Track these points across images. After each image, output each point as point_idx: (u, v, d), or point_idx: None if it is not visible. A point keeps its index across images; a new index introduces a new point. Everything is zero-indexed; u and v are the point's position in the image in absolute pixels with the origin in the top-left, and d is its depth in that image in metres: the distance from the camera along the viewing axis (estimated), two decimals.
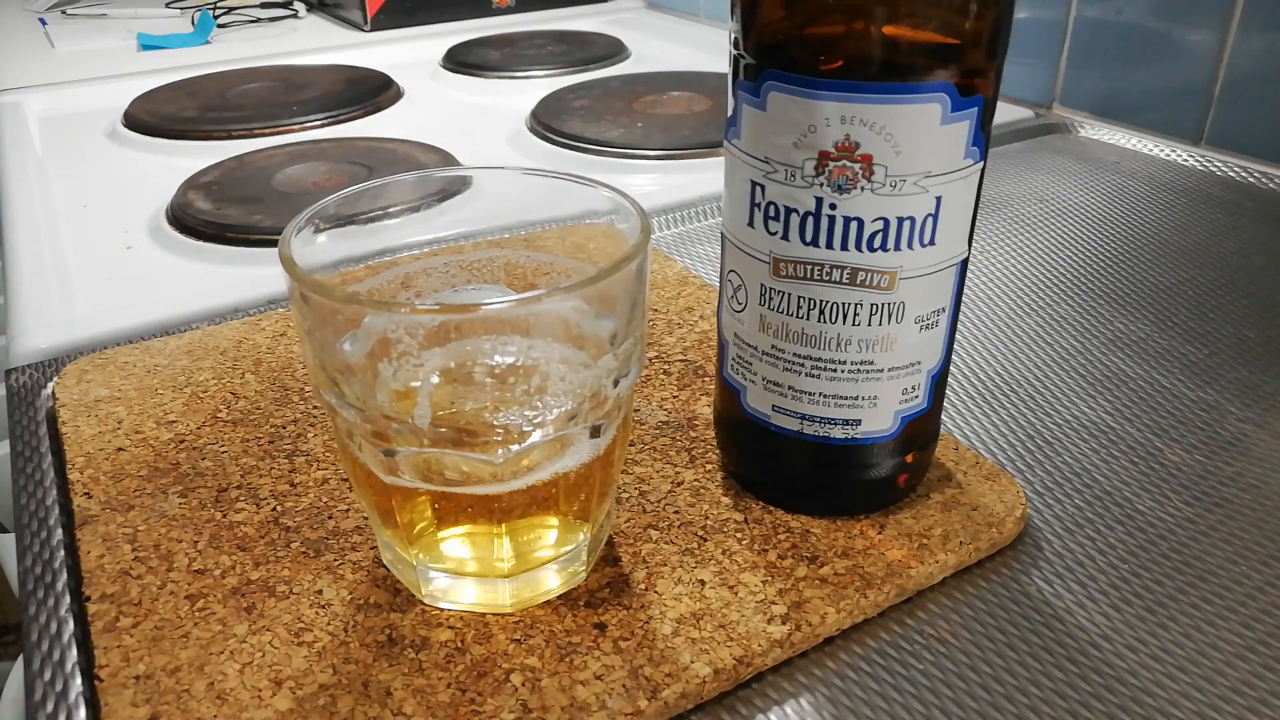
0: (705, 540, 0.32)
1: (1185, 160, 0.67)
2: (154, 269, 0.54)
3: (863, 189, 0.27)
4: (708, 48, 1.03)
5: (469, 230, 0.34)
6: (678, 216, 0.59)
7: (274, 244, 0.29)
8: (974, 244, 0.41)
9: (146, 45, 1.04)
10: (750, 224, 0.30)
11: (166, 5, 1.22)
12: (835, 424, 0.31)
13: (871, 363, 0.30)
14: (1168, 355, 0.44)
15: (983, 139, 0.28)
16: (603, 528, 0.31)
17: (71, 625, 0.30)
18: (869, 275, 0.29)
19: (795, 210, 0.28)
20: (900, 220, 0.28)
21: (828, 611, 0.29)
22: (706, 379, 0.41)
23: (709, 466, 0.36)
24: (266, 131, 0.75)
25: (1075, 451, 0.38)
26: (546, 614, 0.29)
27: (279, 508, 0.34)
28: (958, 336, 0.46)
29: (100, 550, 0.32)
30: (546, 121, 0.74)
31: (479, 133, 0.77)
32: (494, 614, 0.29)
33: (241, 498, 0.34)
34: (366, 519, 0.33)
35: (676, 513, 0.33)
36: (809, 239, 0.28)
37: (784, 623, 0.29)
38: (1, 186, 0.66)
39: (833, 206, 0.28)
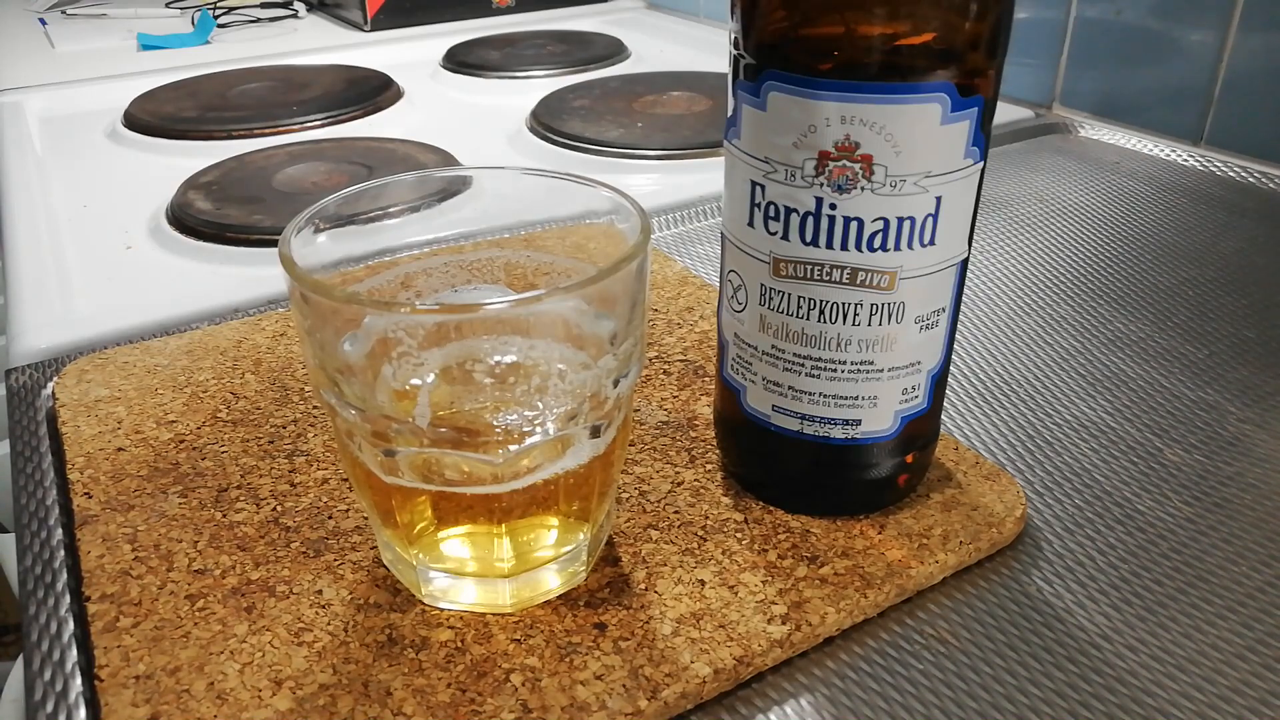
0: (705, 540, 0.32)
1: (1185, 160, 0.67)
2: (154, 269, 0.54)
3: (863, 189, 0.27)
4: (708, 48, 1.03)
5: (469, 230, 0.34)
6: (678, 216, 0.59)
7: (274, 244, 0.29)
8: (974, 244, 0.41)
9: (146, 45, 1.04)
10: (750, 224, 0.30)
11: (166, 5, 1.22)
12: (835, 424, 0.31)
13: (871, 363, 0.30)
14: (1168, 355, 0.44)
15: (983, 139, 0.28)
16: (603, 528, 0.31)
17: (71, 625, 0.30)
18: (869, 275, 0.29)
19: (795, 210, 0.28)
20: (900, 220, 0.28)
21: (828, 611, 0.29)
22: (706, 379, 0.41)
23: (709, 466, 0.36)
24: (266, 131, 0.75)
25: (1075, 451, 0.38)
26: (546, 614, 0.29)
27: (279, 508, 0.34)
28: (958, 336, 0.46)
29: (100, 550, 0.32)
30: (546, 121, 0.74)
31: (479, 133, 0.77)
32: (494, 614, 0.29)
33: (241, 498, 0.34)
34: (366, 519, 0.33)
35: (676, 513, 0.33)
36: (809, 239, 0.28)
37: (784, 623, 0.29)
38: (1, 186, 0.66)
39: (833, 206, 0.28)
